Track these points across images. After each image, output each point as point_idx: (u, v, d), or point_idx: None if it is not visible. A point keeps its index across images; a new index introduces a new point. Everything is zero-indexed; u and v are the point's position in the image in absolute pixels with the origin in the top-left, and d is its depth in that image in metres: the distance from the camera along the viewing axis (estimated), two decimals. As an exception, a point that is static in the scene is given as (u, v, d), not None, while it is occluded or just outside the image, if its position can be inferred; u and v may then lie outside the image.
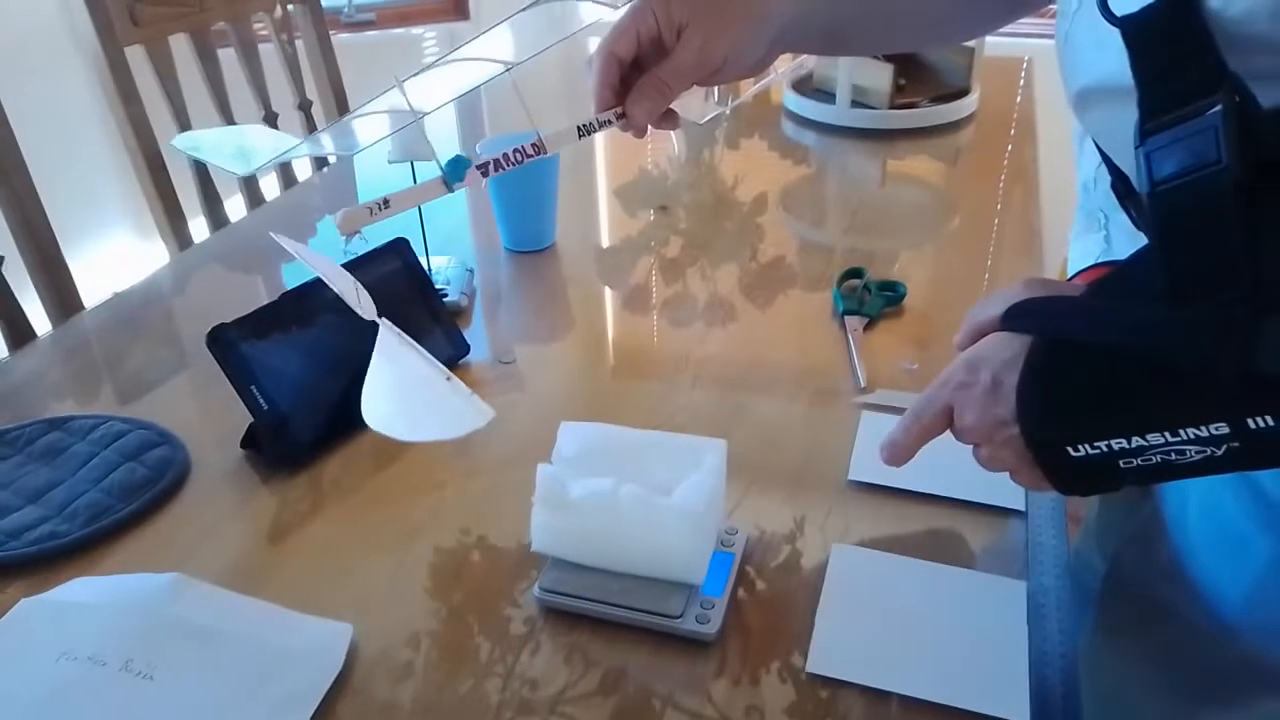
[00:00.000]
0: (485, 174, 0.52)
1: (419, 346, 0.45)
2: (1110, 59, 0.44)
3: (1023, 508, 0.65)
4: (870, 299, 0.90)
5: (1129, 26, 0.42)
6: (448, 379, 0.44)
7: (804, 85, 1.48)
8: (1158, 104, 0.41)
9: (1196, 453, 0.41)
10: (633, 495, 0.56)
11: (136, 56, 1.26)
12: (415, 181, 0.85)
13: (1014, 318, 0.49)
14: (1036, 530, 0.63)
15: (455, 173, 0.51)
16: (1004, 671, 0.53)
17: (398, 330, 0.44)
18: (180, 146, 1.00)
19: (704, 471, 0.58)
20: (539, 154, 0.55)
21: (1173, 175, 0.39)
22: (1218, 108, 0.38)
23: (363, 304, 0.47)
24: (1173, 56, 0.40)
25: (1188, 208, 0.38)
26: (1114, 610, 0.57)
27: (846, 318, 0.88)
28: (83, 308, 1.07)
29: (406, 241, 0.86)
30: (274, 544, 0.66)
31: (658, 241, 1.08)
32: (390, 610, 0.59)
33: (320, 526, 0.67)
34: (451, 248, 1.02)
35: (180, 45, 1.31)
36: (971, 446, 0.53)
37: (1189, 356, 0.39)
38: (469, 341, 0.86)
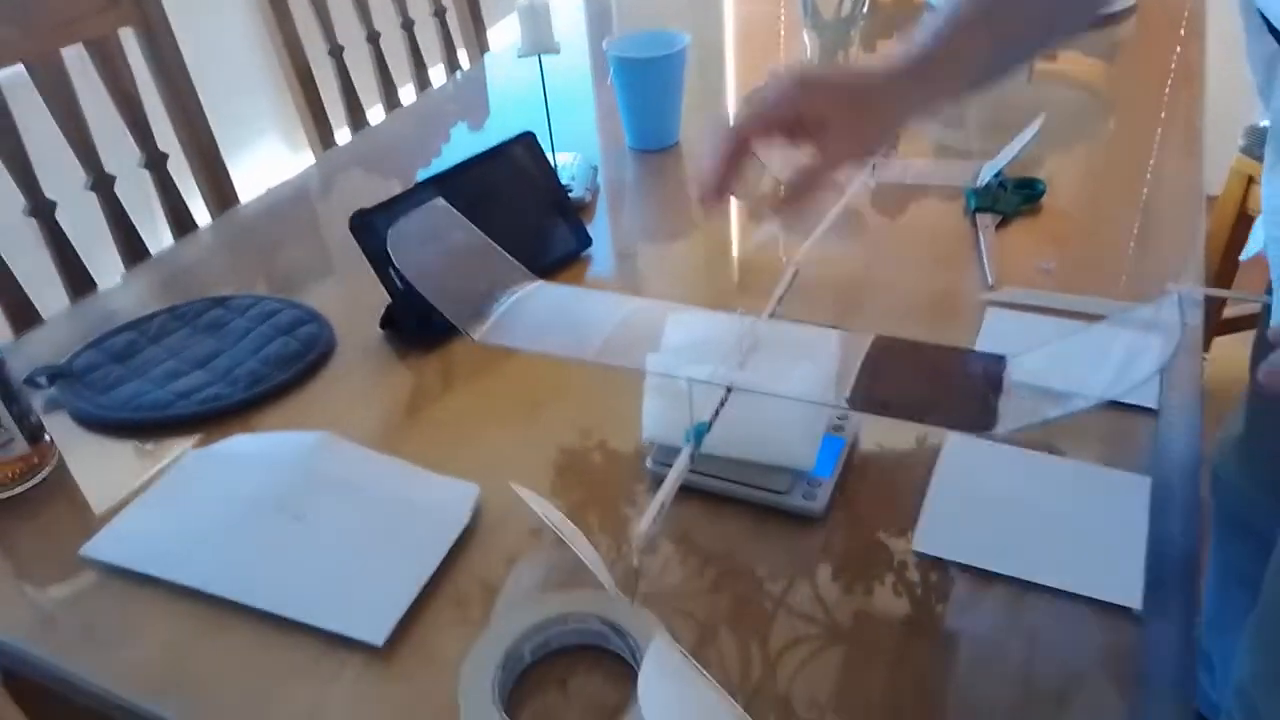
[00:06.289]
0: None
1: (703, 670, 0.39)
2: None
3: (1155, 405, 0.62)
4: (1005, 196, 0.87)
5: None
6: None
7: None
8: None
9: None
10: (742, 383, 0.54)
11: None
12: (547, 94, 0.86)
13: None
14: (1168, 427, 0.61)
15: (700, 442, 0.52)
16: (1119, 560, 0.52)
17: (679, 648, 0.40)
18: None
19: (817, 360, 0.55)
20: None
21: None
22: None
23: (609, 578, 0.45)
24: None
25: None
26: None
27: (978, 215, 0.85)
28: (239, 203, 1.14)
29: (534, 135, 0.87)
30: (409, 414, 0.70)
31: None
32: (516, 479, 0.62)
33: (451, 400, 0.71)
34: (577, 144, 1.03)
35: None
36: None
37: None
38: (591, 236, 0.88)
